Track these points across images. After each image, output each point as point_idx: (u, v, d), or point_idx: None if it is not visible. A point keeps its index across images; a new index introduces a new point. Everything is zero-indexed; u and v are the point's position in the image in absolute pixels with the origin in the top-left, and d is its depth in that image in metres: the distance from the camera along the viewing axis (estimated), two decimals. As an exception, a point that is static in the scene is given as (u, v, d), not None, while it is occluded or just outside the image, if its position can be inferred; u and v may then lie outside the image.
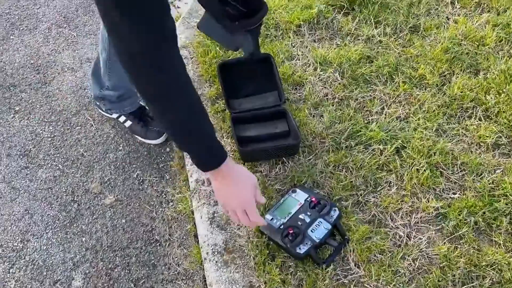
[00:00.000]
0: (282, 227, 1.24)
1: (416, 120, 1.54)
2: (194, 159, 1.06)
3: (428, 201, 1.35)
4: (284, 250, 1.23)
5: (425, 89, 1.64)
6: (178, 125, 0.99)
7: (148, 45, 0.86)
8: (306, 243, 1.19)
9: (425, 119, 1.55)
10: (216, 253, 1.30)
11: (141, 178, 1.61)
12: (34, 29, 2.08)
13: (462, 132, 1.52)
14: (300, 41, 1.83)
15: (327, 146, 1.49)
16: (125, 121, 1.71)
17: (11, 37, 2.04)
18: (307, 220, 1.24)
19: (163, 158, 1.67)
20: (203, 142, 1.02)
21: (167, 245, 1.45)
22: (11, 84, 1.87)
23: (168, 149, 1.70)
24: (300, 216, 1.25)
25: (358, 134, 1.51)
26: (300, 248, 1.19)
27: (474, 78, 1.66)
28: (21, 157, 1.65)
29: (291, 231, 1.21)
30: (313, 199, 1.28)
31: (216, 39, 1.20)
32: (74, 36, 2.06)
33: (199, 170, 1.40)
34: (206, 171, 1.06)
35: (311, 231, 1.22)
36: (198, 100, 1.00)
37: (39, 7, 2.17)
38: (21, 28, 2.08)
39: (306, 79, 1.69)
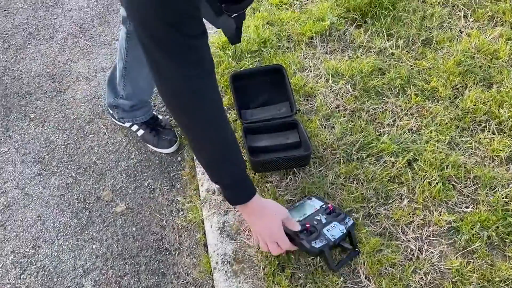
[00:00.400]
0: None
1: (428, 133, 1.53)
2: (224, 192, 1.12)
3: (440, 215, 1.34)
4: (299, 246, 1.20)
5: (438, 102, 1.63)
6: (212, 159, 1.07)
7: (189, 79, 0.93)
8: (321, 240, 1.18)
9: (438, 132, 1.54)
10: (225, 263, 1.30)
11: (152, 187, 1.62)
12: (51, 39, 2.12)
13: (475, 146, 1.50)
14: (312, 53, 1.84)
15: (338, 157, 1.49)
16: (137, 130, 1.73)
17: (28, 46, 2.09)
18: (323, 220, 1.23)
19: (174, 167, 1.69)
20: (234, 177, 1.09)
21: (176, 254, 1.45)
22: (27, 92, 1.90)
23: (179, 158, 1.71)
24: (316, 217, 1.24)
25: (369, 146, 1.51)
26: (315, 243, 1.17)
27: (487, 91, 1.65)
28: (35, 164, 1.67)
29: (308, 225, 1.19)
30: (329, 205, 1.27)
31: (203, 17, 1.23)
32: (89, 46, 2.09)
33: (210, 181, 1.41)
34: (234, 205, 1.14)
35: (327, 230, 1.20)
36: (232, 135, 1.07)
37: (56, 18, 2.22)
38: (38, 38, 2.13)
39: (318, 90, 1.70)
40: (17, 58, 2.03)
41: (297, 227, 1.17)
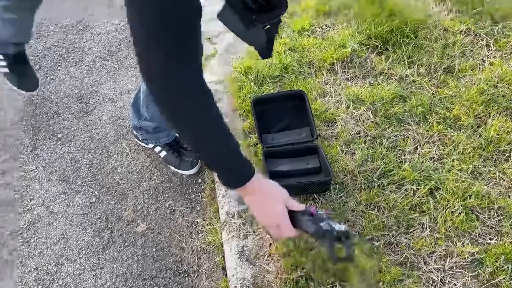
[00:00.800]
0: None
1: (450, 162, 1.52)
2: (220, 178, 1.07)
3: (463, 246, 1.32)
4: (303, 227, 1.10)
5: (460, 131, 1.62)
6: (204, 148, 1.02)
7: (177, 72, 0.90)
8: (326, 226, 1.08)
9: (460, 161, 1.52)
10: (244, 287, 1.30)
11: (173, 208, 1.64)
12: (80, 61, 2.20)
13: (498, 176, 1.48)
14: (333, 79, 1.86)
15: (358, 184, 1.49)
16: (160, 151, 1.76)
17: (58, 68, 2.17)
18: (325, 216, 1.12)
19: (194, 188, 1.71)
20: (228, 162, 1.04)
21: (195, 277, 1.46)
22: (55, 112, 1.97)
23: (200, 180, 1.73)
24: (319, 211, 1.13)
25: (390, 173, 1.50)
26: (322, 225, 1.08)
27: (511, 121, 1.64)
28: (60, 182, 1.72)
29: (313, 210, 1.10)
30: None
31: (232, 31, 1.13)
32: (116, 69, 2.16)
33: (230, 200, 1.42)
34: (232, 189, 1.07)
35: (330, 222, 1.10)
36: (222, 121, 1.01)
37: (86, 41, 2.31)
38: (68, 60, 2.21)
39: (339, 116, 1.71)
40: (47, 79, 2.11)
41: (302, 207, 1.09)
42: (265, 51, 1.15)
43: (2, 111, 1.96)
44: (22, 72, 1.96)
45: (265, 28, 1.05)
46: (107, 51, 2.26)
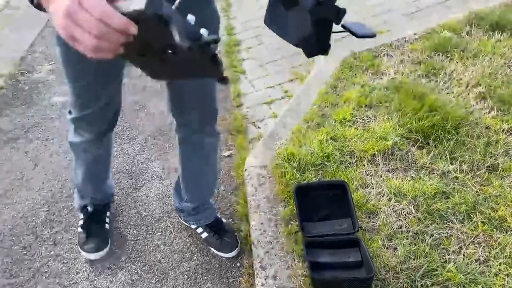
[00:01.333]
0: None
1: (497, 265, 1.48)
2: None
3: None
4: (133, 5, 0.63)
5: (506, 233, 1.59)
6: None
7: None
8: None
9: (507, 265, 1.48)
10: None
11: (211, 292, 1.66)
12: (133, 139, 2.36)
13: (550, 284, 1.42)
14: (374, 170, 1.90)
15: (401, 283, 1.46)
16: (201, 233, 1.81)
17: (114, 145, 2.33)
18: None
19: (233, 272, 1.72)
20: None
21: None
22: (107, 186, 2.09)
23: (238, 264, 1.75)
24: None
25: (434, 273, 1.48)
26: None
27: (561, 225, 1.60)
28: (106, 257, 1.78)
29: None
30: None
31: (277, 31, 0.94)
32: (166, 148, 2.30)
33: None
34: None
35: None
36: None
37: (140, 120, 2.49)
38: (123, 138, 2.38)
39: (380, 208, 1.72)
40: (102, 154, 2.26)
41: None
42: (312, 44, 0.87)
43: (60, 182, 2.10)
44: (91, 232, 1.78)
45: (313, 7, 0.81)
46: (159, 130, 2.42)
